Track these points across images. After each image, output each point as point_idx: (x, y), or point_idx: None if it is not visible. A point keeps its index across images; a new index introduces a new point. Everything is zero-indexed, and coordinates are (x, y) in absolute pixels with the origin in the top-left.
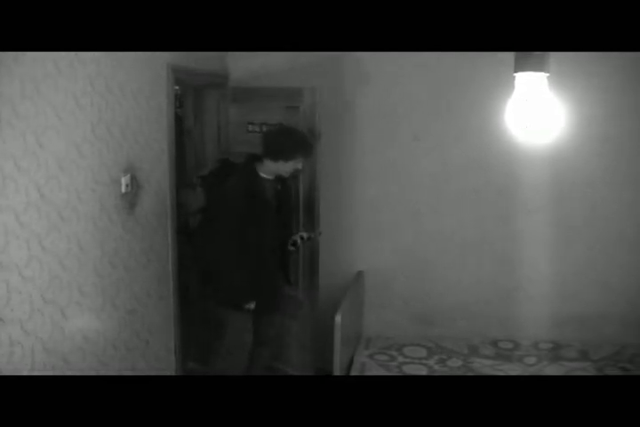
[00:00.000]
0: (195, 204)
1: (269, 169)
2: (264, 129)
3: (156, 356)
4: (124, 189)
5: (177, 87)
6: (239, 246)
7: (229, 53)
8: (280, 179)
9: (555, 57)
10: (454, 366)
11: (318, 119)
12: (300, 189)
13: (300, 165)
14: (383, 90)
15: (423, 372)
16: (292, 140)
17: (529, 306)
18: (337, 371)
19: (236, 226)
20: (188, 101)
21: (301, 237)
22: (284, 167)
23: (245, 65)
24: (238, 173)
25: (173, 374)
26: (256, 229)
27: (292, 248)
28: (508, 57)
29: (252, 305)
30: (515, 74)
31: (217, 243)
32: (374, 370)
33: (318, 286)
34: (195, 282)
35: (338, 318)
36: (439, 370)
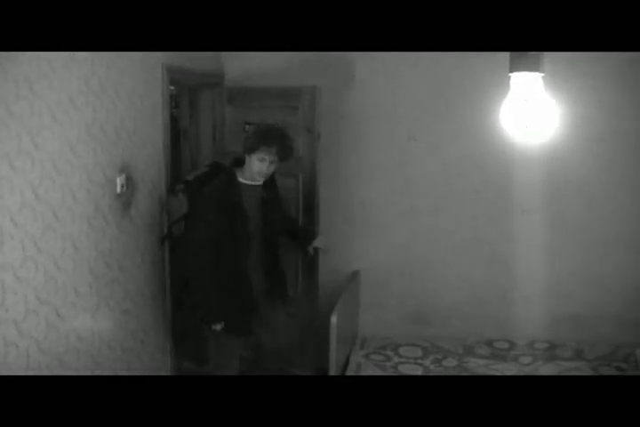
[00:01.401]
0: (178, 211)
1: (246, 172)
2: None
3: (150, 356)
4: (119, 190)
5: (172, 87)
6: (213, 260)
7: (224, 53)
8: (267, 186)
9: (550, 57)
10: (450, 366)
11: (317, 119)
12: (300, 189)
13: (266, 165)
14: (381, 90)
15: (419, 372)
16: (256, 132)
17: (524, 306)
18: (333, 371)
19: (210, 237)
20: (183, 101)
21: (315, 249)
22: (251, 165)
23: (241, 65)
24: (218, 178)
25: (168, 374)
26: (232, 241)
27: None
28: (504, 57)
29: (218, 326)
30: (510, 74)
31: (190, 255)
32: (370, 370)
33: (318, 287)
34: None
35: (333, 318)
36: (435, 370)
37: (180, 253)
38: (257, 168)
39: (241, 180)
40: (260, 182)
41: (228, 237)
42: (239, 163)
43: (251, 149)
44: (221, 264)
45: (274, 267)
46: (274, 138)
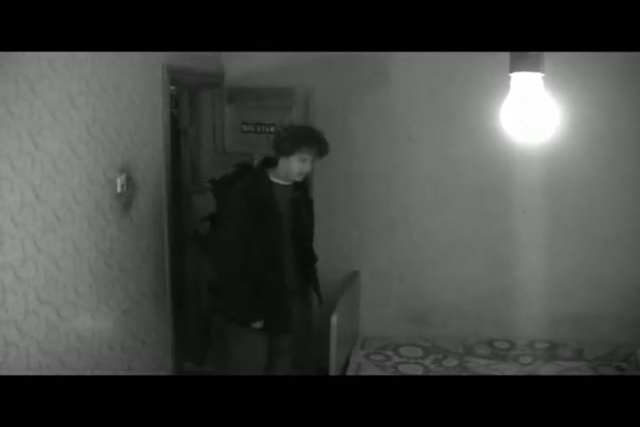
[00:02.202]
0: (204, 210)
1: (281, 172)
2: (258, 129)
3: (151, 356)
4: (119, 190)
5: (172, 87)
6: (244, 259)
7: (224, 53)
8: (298, 186)
9: (550, 57)
10: (450, 366)
11: (312, 118)
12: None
13: (307, 165)
14: (380, 90)
15: (419, 372)
16: (292, 134)
17: (524, 305)
18: (333, 371)
19: (241, 236)
20: (183, 101)
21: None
22: (291, 165)
23: (241, 64)
24: (248, 177)
25: (169, 374)
26: (264, 240)
27: None
28: (504, 57)
29: (258, 324)
30: (510, 74)
31: (221, 254)
32: (370, 370)
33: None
34: (205, 294)
35: (334, 318)
36: (435, 370)
37: (211, 252)
38: (298, 168)
39: (273, 179)
40: (291, 182)
41: (263, 235)
42: (270, 163)
43: (290, 151)
44: (256, 262)
45: (308, 264)
46: (313, 138)
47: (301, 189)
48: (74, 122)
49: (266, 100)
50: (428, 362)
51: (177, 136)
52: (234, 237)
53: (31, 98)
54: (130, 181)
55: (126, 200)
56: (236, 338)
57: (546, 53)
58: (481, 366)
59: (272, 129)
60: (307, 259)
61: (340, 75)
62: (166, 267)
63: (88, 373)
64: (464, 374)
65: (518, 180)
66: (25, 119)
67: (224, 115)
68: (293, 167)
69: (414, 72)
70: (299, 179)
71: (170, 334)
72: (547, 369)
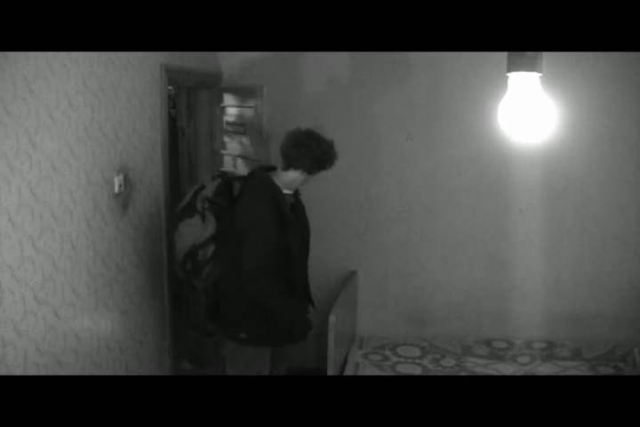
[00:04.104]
0: (197, 235)
1: (285, 181)
2: (231, 129)
3: (149, 357)
4: (117, 190)
5: (170, 87)
6: (276, 274)
7: (221, 53)
8: (295, 191)
9: (548, 57)
10: (448, 366)
11: (266, 118)
12: None
13: (311, 179)
14: (377, 89)
15: (417, 371)
16: (315, 157)
17: (522, 305)
18: (331, 371)
19: (274, 251)
20: (181, 101)
21: None
22: (299, 179)
23: (239, 64)
24: (258, 189)
25: (167, 374)
26: (289, 250)
27: None
28: (502, 57)
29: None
30: (508, 74)
31: (261, 278)
32: (368, 370)
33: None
34: (202, 318)
35: (331, 318)
36: (433, 370)
37: (211, 276)
38: (302, 183)
39: (279, 186)
40: (292, 191)
41: (285, 246)
42: (268, 170)
43: (312, 171)
44: (287, 273)
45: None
46: (331, 161)
47: (297, 194)
48: (71, 122)
49: (237, 100)
50: (426, 362)
51: (175, 136)
52: (269, 256)
53: (29, 97)
54: (128, 181)
55: (124, 200)
56: (240, 358)
57: (544, 53)
58: (479, 366)
59: (243, 130)
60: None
61: (339, 74)
62: (164, 266)
63: (86, 373)
64: (462, 373)
65: (516, 179)
66: (22, 119)
67: (222, 115)
68: (297, 181)
69: (413, 72)
70: (296, 188)
71: (168, 334)
72: (545, 369)
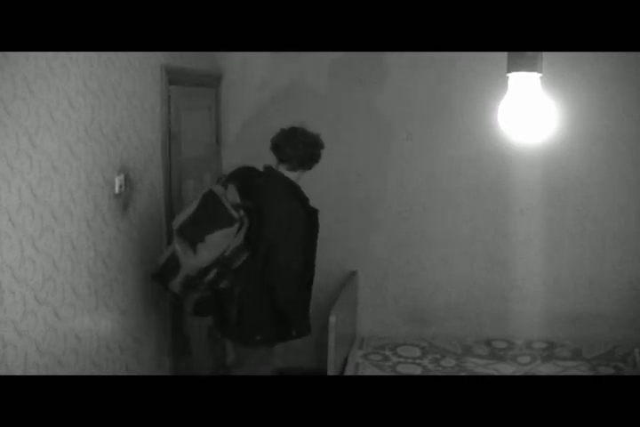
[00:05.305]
0: (234, 240)
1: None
2: None
3: (149, 356)
4: (117, 190)
5: (170, 87)
6: (302, 277)
7: (221, 53)
8: None
9: (548, 57)
10: (448, 366)
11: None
12: None
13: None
14: (377, 89)
15: (417, 371)
16: (307, 152)
17: (522, 305)
18: (331, 371)
19: (301, 257)
20: (181, 102)
21: None
22: (299, 178)
23: (238, 64)
24: (282, 191)
25: (167, 374)
26: (312, 252)
27: None
28: (502, 57)
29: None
30: (508, 74)
31: (292, 284)
32: (368, 370)
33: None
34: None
35: (332, 319)
36: (433, 370)
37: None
38: (297, 180)
39: None
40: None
41: (310, 249)
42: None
43: (307, 168)
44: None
45: None
46: (319, 156)
47: None
48: (72, 122)
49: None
50: (426, 362)
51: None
52: (300, 262)
53: (29, 98)
54: (128, 182)
55: (124, 200)
56: (250, 360)
57: (544, 53)
58: (479, 366)
59: None
60: None
61: (339, 74)
62: None
63: (86, 373)
64: (462, 373)
65: (516, 179)
66: (22, 119)
67: (220, 115)
68: (297, 178)
69: (412, 71)
70: None
71: (168, 334)
72: (545, 369)
